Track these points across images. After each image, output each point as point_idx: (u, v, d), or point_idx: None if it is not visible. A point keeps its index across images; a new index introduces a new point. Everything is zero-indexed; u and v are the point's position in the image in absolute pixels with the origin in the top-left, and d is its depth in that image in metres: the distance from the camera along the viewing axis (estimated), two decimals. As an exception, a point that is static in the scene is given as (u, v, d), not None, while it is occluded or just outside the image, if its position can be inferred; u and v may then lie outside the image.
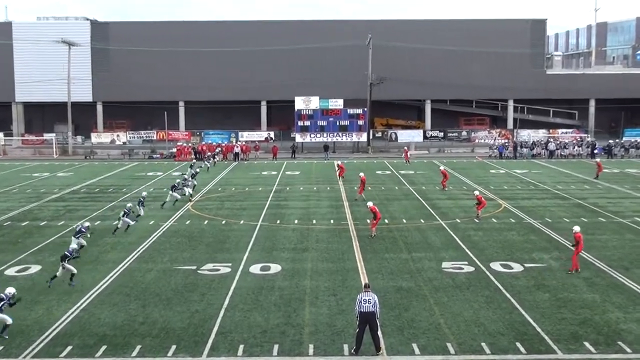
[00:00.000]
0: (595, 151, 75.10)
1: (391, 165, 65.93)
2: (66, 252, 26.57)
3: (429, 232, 35.37)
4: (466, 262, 29.12)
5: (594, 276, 26.97)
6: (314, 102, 78.53)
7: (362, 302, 19.74)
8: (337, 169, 57.46)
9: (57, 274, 26.19)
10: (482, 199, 39.68)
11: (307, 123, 78.77)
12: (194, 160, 65.65)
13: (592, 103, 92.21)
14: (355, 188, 50.02)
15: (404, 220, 38.39)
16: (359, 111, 79.50)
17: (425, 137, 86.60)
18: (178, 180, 46.40)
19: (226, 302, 23.94)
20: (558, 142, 79.13)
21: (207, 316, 22.62)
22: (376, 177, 57.23)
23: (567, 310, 22.97)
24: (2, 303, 21.12)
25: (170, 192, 43.56)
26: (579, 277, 26.71)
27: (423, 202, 44.94)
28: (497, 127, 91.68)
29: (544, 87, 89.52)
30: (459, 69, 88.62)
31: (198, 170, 56.01)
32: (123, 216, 35.26)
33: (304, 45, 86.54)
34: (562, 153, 75.88)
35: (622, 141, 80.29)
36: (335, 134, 79.37)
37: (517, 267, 28.32)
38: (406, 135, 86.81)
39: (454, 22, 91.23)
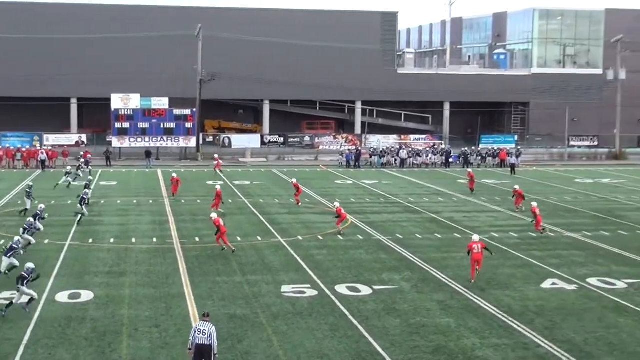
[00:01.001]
0: (451, 160, 78.01)
1: (224, 175, 65.87)
2: (23, 274, 25.51)
3: (267, 252, 35.59)
4: (309, 285, 29.50)
5: (448, 299, 27.99)
6: (134, 101, 77.29)
7: (197, 332, 19.79)
8: (171, 182, 53.65)
9: (15, 300, 25.20)
10: (342, 211, 40.41)
11: (126, 125, 77.38)
12: (69, 167, 62.06)
13: (447, 106, 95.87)
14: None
15: (239, 238, 38.43)
16: (187, 112, 78.96)
17: (263, 143, 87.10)
18: (86, 191, 45.84)
19: (27, 337, 23.13)
20: (410, 149, 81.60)
21: (1, 354, 21.79)
22: (207, 189, 56.98)
23: (420, 337, 23.70)
24: None
25: (79, 205, 43.16)
26: (432, 300, 27.64)
27: (260, 217, 45.20)
28: (343, 132, 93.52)
29: (395, 88, 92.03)
30: (301, 66, 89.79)
31: (90, 177, 54.84)
32: (24, 233, 34.34)
33: (123, 34, 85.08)
34: (415, 162, 78.25)
35: (479, 149, 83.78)
36: (159, 138, 78.38)
37: (365, 290, 28.96)
38: (241, 141, 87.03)
39: (296, 13, 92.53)
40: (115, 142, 78.18)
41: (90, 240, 37.50)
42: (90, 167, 65.22)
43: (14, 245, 30.60)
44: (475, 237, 31.49)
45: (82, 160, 66.90)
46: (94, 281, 29.74)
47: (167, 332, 23.71)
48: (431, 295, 28.43)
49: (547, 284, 30.34)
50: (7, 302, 25.60)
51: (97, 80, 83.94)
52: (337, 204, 41.70)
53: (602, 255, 36.10)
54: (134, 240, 37.99)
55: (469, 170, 62.62)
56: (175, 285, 29.45)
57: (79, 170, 61.91)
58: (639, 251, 36.79)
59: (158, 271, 31.58)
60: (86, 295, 27.62)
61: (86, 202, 43.86)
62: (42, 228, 37.62)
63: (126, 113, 77.24)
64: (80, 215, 42.46)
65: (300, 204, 49.61)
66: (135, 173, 68.48)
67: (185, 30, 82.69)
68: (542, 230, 40.82)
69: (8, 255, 30.13)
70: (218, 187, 47.65)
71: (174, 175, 54.31)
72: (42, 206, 39.70)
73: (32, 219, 36.33)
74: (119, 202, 50.41)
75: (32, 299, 25.67)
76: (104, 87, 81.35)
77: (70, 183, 56.60)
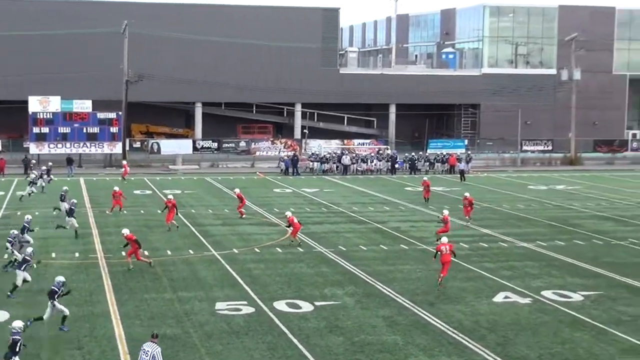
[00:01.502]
0: (397, 166, 78.33)
1: (152, 183, 65.46)
2: (53, 288, 25.69)
3: (200, 266, 35.43)
4: (245, 302, 29.42)
5: (395, 314, 28.10)
6: (54, 104, 76.35)
7: (142, 352, 20.12)
8: (113, 196, 51.38)
9: (45, 316, 25.46)
10: (295, 220, 40.28)
11: (45, 130, 76.42)
12: (32, 176, 60.48)
13: (393, 109, 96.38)
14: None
15: (169, 252, 38.22)
16: (112, 116, 78.22)
17: (195, 149, 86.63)
18: (73, 201, 44.94)
19: None
20: (354, 154, 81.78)
21: None
22: (134, 198, 56.53)
23: (365, 356, 23.76)
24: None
25: (68, 218, 42.64)
26: (377, 316, 27.72)
27: (192, 228, 44.97)
28: (282, 136, 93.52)
29: (337, 89, 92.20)
30: (236, 66, 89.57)
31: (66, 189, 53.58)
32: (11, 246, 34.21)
33: (40, 32, 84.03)
34: (359, 168, 78.40)
35: (427, 154, 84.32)
36: (81, 144, 77.58)
37: (306, 306, 28.97)
38: (171, 146, 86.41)
39: (231, 8, 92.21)
40: (34, 148, 77.07)
41: (5, 256, 36.85)
42: (51, 177, 63.96)
43: (26, 257, 30.94)
44: (444, 239, 32.64)
45: (43, 168, 65.45)
46: (9, 300, 29.27)
47: (91, 355, 23.45)
48: (377, 311, 28.52)
49: (499, 298, 30.65)
50: (37, 316, 25.78)
51: (12, 81, 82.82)
52: (288, 214, 41.43)
53: (557, 266, 36.59)
54: (54, 255, 37.53)
55: (425, 178, 62.47)
56: (100, 303, 29.15)
57: (42, 180, 60.66)
58: (594, 261, 37.41)
59: (80, 288, 31.20)
60: (1, 316, 27.19)
61: (73, 214, 43.00)
62: (31, 240, 37.15)
63: (45, 117, 76.18)
64: (72, 228, 42.23)
65: (243, 216, 49.25)
66: (56, 182, 67.53)
67: (110, 27, 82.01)
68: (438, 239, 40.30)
69: (22, 268, 30.46)
70: (171, 197, 47.17)
71: (116, 188, 52.47)
72: (29, 217, 39.35)
73: (16, 231, 35.77)
74: (37, 213, 49.58)
75: (65, 316, 25.79)
76: (21, 88, 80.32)
77: (32, 192, 55.87)
